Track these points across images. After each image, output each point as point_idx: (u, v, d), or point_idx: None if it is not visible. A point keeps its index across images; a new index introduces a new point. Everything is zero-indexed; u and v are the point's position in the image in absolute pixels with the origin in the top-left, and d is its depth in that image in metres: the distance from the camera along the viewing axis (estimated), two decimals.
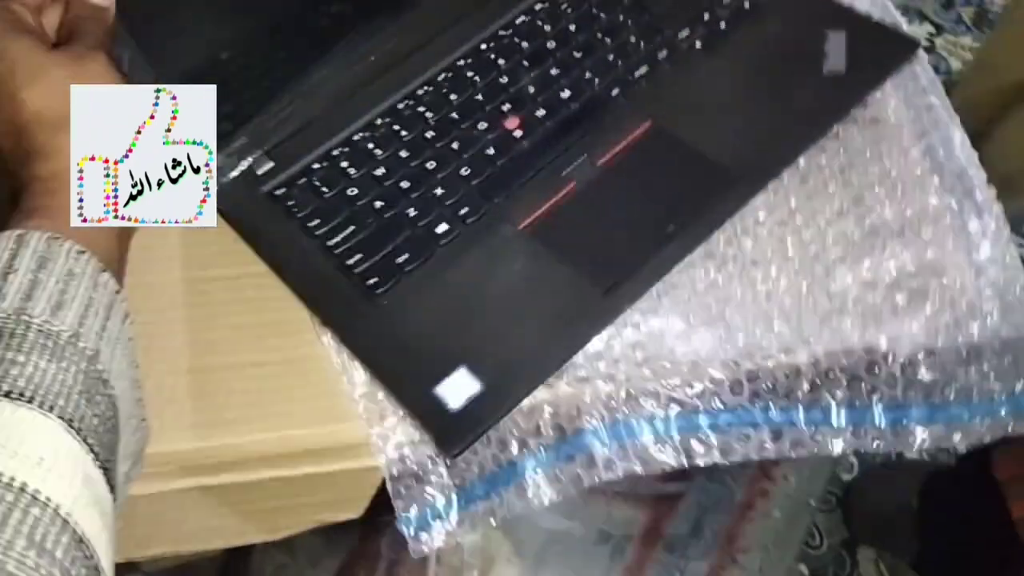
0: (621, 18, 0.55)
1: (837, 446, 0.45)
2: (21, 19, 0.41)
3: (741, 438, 0.44)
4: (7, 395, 0.30)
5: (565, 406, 0.44)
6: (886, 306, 0.46)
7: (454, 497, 0.42)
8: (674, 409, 0.44)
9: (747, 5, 0.54)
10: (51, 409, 0.31)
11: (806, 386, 0.45)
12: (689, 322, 0.45)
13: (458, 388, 0.42)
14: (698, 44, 0.53)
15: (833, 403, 0.45)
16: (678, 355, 0.45)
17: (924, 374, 0.45)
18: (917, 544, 0.81)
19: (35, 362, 0.31)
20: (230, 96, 0.54)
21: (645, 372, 0.44)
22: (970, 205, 0.48)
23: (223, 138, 0.53)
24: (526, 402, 0.43)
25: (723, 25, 0.53)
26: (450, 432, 0.41)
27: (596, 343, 0.45)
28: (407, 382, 0.43)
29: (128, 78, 0.43)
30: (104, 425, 0.33)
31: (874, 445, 0.45)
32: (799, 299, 0.46)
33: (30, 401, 0.31)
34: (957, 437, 0.46)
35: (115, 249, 0.39)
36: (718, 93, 0.51)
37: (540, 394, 0.44)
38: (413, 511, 0.42)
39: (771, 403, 0.45)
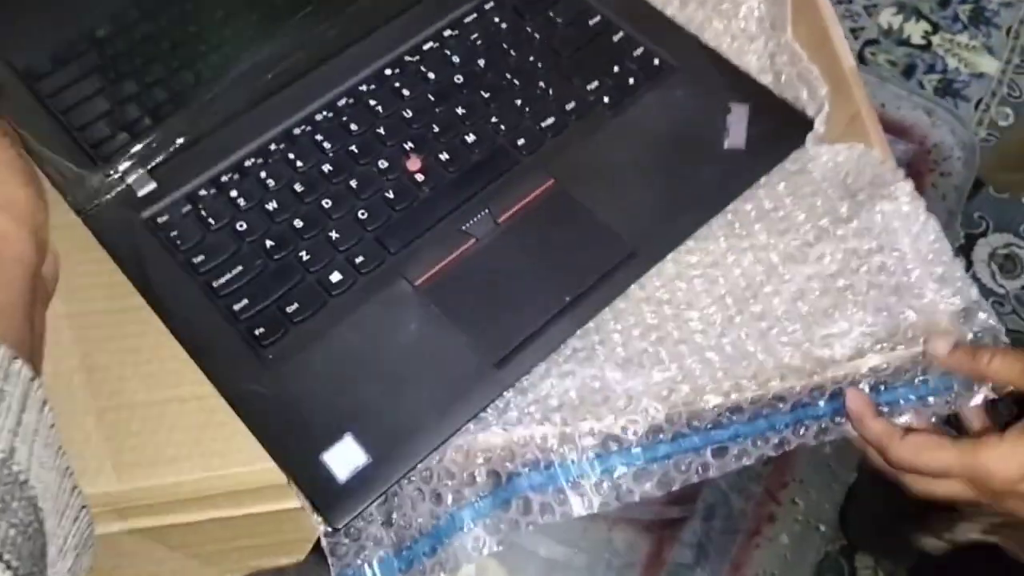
0: (531, 59, 0.54)
1: (790, 443, 0.46)
2: None
3: (681, 465, 0.45)
4: None
5: (499, 452, 0.44)
6: (819, 313, 0.47)
7: (393, 559, 0.42)
8: (611, 447, 0.45)
9: (656, 62, 0.54)
10: None
11: (747, 404, 0.45)
12: (624, 363, 0.46)
13: (344, 457, 0.42)
14: (606, 99, 0.53)
15: (778, 410, 0.46)
16: (613, 394, 0.45)
17: (868, 365, 0.46)
18: (915, 551, 0.83)
19: None
20: (111, 105, 0.51)
21: (580, 412, 0.45)
22: (879, 191, 0.49)
23: (100, 150, 0.49)
24: (461, 446, 0.44)
25: (631, 81, 0.53)
26: (336, 504, 0.41)
27: (533, 387, 0.45)
28: (291, 446, 0.43)
29: None
30: (23, 534, 0.30)
31: (818, 438, 0.46)
32: (733, 329, 0.47)
33: None
34: (904, 418, 0.47)
35: (26, 325, 0.36)
36: (620, 156, 0.51)
37: (473, 441, 0.44)
38: (349, 572, 0.42)
39: (710, 427, 0.45)
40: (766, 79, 0.54)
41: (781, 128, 0.52)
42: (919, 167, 0.56)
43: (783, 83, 0.54)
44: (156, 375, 0.46)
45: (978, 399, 0.45)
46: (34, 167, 0.39)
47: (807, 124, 0.52)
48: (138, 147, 0.49)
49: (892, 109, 0.58)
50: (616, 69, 0.54)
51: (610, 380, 0.46)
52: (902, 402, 0.46)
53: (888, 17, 1.45)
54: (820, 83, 0.52)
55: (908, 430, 0.45)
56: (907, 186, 0.49)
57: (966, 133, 0.57)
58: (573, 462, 0.44)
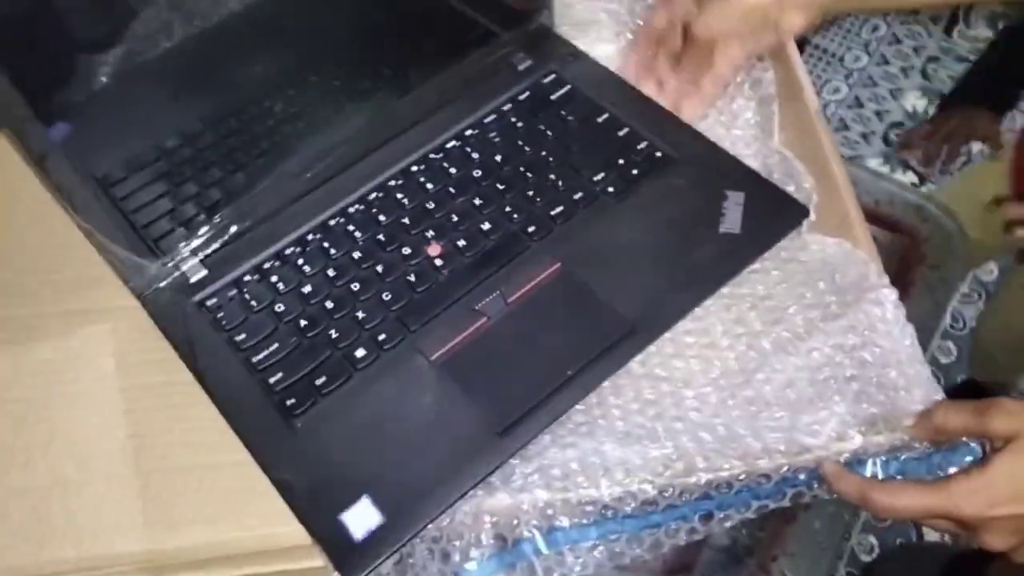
0: (544, 154, 0.60)
1: (768, 507, 0.50)
2: None
3: (670, 531, 0.49)
4: None
5: (505, 515, 0.48)
6: (804, 401, 0.51)
7: None
8: (607, 514, 0.48)
9: (659, 154, 0.59)
10: None
11: (735, 480, 0.49)
12: (623, 437, 0.50)
13: (361, 518, 0.46)
14: (611, 188, 0.57)
15: (762, 485, 0.49)
16: (611, 466, 0.49)
17: (848, 448, 0.49)
18: None
19: None
20: (172, 204, 0.58)
21: (580, 481, 0.48)
22: (866, 294, 0.53)
23: (160, 243, 0.56)
24: (468, 511, 0.47)
25: (634, 172, 0.58)
26: (352, 561, 0.45)
27: (537, 456, 0.49)
28: (314, 507, 0.47)
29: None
30: None
31: (793, 501, 0.50)
32: (726, 411, 0.51)
33: None
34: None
35: None
36: (623, 240, 0.55)
37: (481, 504, 0.47)
38: None
39: (699, 497, 0.49)
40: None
41: (775, 213, 0.56)
42: (909, 259, 0.60)
43: (774, 180, 0.58)
44: (199, 443, 0.51)
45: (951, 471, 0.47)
46: None
47: (802, 210, 0.56)
48: (193, 240, 0.56)
49: (885, 204, 0.62)
50: (621, 161, 0.59)
51: (609, 453, 0.49)
52: (881, 476, 0.49)
53: (913, 100, 1.51)
54: (805, 177, 0.56)
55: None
56: (892, 294, 0.53)
57: (955, 226, 0.61)
58: (572, 527, 0.48)
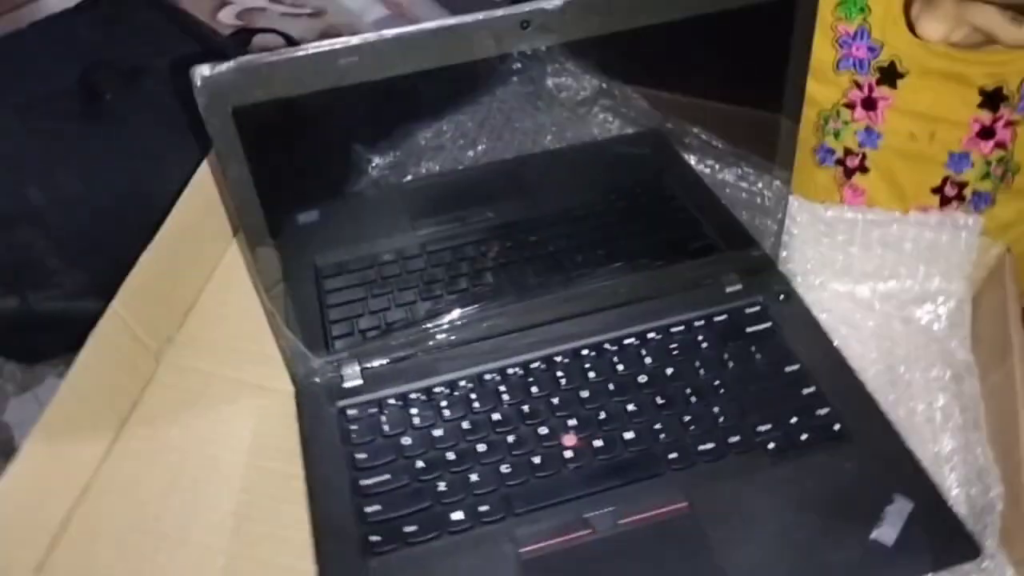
0: (716, 383, 0.57)
1: None
2: None
3: None
4: None
5: None
6: None
7: None
8: None
9: (837, 427, 0.54)
10: None
11: None
12: None
13: None
14: (771, 445, 0.53)
15: None
16: None
17: None
18: None
19: None
20: (361, 311, 0.61)
21: None
22: None
23: (333, 342, 0.59)
24: None
25: (804, 436, 0.53)
26: None
27: None
28: None
29: None
30: None
31: None
32: None
33: None
34: None
35: None
36: (762, 506, 0.51)
37: None
38: None
39: None
40: (942, 468, 0.53)
41: (941, 540, 0.48)
42: None
43: (958, 473, 0.52)
44: (288, 541, 0.52)
45: None
46: None
47: (973, 550, 0.48)
48: (362, 349, 0.59)
49: None
50: (794, 420, 0.54)
51: None
52: None
53: None
54: (996, 482, 0.49)
55: None
56: None
57: None
58: None
